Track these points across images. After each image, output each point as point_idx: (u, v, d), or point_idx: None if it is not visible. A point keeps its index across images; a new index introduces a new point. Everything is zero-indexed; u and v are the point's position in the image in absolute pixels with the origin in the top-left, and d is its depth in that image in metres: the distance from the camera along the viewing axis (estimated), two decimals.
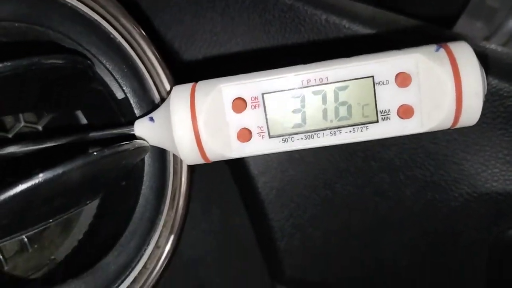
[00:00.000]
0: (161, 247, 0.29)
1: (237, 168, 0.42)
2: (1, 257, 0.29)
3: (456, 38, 0.38)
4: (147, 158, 0.30)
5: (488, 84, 0.36)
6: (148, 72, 0.30)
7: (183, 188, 0.30)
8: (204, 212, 0.39)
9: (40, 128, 0.32)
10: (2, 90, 0.24)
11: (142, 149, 0.27)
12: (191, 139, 0.26)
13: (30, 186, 0.21)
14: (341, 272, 0.45)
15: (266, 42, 0.40)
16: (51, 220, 0.25)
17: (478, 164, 0.38)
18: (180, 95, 0.27)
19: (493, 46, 0.42)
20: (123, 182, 0.30)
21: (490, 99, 0.37)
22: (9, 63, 0.23)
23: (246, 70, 0.41)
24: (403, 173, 0.40)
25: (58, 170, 0.22)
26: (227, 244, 0.41)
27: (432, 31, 0.40)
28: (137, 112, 0.30)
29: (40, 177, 0.21)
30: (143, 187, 0.29)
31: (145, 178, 0.29)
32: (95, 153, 0.23)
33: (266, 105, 0.27)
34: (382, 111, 0.26)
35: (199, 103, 0.27)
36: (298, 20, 0.40)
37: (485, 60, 0.38)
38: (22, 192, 0.21)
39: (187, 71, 0.42)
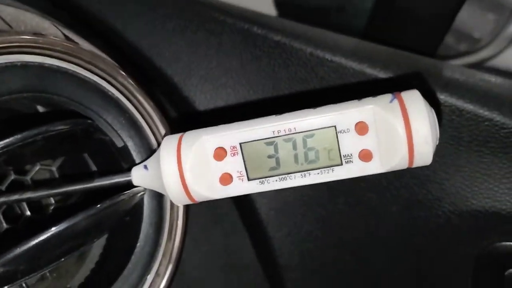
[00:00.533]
0: (161, 275, 0.33)
1: None
2: (25, 285, 0.34)
3: (433, 66, 0.40)
4: (146, 197, 0.34)
5: (463, 109, 0.39)
6: (145, 121, 0.35)
7: (179, 222, 0.34)
8: (205, 235, 0.43)
9: (54, 169, 0.37)
10: (14, 155, 0.29)
11: (138, 195, 0.32)
12: (178, 184, 0.31)
13: (42, 240, 0.26)
14: (338, 285, 0.48)
15: (257, 75, 0.44)
16: (63, 259, 0.30)
17: (458, 183, 0.41)
18: (168, 146, 0.31)
19: (469, 73, 0.44)
20: (127, 217, 0.35)
21: (466, 123, 0.39)
22: (19, 136, 0.27)
23: (239, 102, 0.45)
24: (390, 193, 0.43)
25: (65, 225, 0.26)
26: (228, 263, 0.45)
27: (410, 61, 0.43)
28: (136, 158, 0.35)
29: (50, 232, 0.26)
30: (143, 223, 0.33)
31: (144, 215, 0.34)
32: (96, 207, 0.28)
33: (244, 152, 0.31)
34: (345, 155, 0.30)
35: (185, 152, 0.31)
36: (285, 55, 0.43)
37: (461, 86, 0.40)
38: (36, 244, 0.26)
39: (186, 105, 0.46)
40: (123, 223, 0.34)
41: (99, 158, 0.35)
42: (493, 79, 0.44)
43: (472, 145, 0.39)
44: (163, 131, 0.35)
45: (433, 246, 0.44)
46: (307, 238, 0.48)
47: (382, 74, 0.41)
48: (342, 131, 0.30)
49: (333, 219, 0.46)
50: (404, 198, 0.43)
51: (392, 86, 0.40)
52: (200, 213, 0.43)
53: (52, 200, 0.36)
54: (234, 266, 0.47)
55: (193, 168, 0.31)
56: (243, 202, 0.47)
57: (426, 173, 0.42)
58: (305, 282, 0.49)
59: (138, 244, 0.33)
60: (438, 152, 0.41)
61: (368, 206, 0.45)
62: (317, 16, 0.65)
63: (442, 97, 0.39)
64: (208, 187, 0.31)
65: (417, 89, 0.39)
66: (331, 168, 0.30)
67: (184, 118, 0.47)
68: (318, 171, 0.30)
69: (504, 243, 0.41)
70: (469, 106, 0.39)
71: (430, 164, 0.42)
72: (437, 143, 0.31)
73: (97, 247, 0.36)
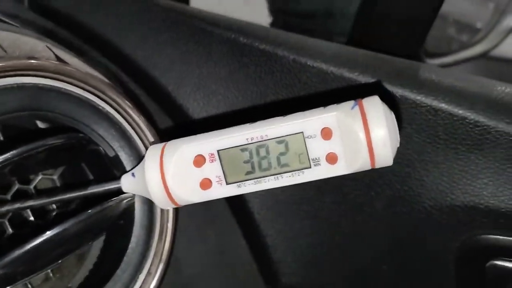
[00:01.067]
0: (152, 274, 0.37)
1: None
2: (29, 286, 0.37)
3: (410, 68, 0.42)
4: (138, 202, 0.38)
5: (439, 109, 0.41)
6: (135, 132, 0.38)
7: (169, 224, 0.37)
8: (200, 234, 0.46)
9: (55, 178, 0.40)
10: (17, 166, 0.32)
11: (125, 201, 0.35)
12: (162, 190, 0.34)
13: (37, 244, 0.29)
14: (328, 278, 0.51)
15: (245, 83, 0.47)
16: (60, 261, 0.33)
17: (437, 180, 0.43)
18: (152, 155, 0.34)
19: (445, 73, 0.46)
20: (121, 221, 0.38)
21: (442, 122, 0.41)
22: (15, 151, 0.31)
23: (230, 108, 0.48)
24: (373, 190, 0.45)
25: (57, 230, 0.30)
26: (224, 260, 0.48)
27: (389, 64, 0.45)
28: (127, 166, 0.38)
29: (44, 236, 0.29)
30: (134, 225, 0.37)
31: (136, 218, 0.37)
32: (86, 213, 0.31)
33: (221, 159, 0.34)
34: (314, 158, 0.32)
35: (167, 161, 0.34)
36: (270, 63, 0.46)
37: (436, 86, 0.42)
38: (31, 247, 0.29)
39: (180, 112, 0.49)
40: (118, 226, 0.38)
41: (94, 167, 0.38)
42: (467, 77, 0.45)
43: (449, 142, 0.41)
44: (152, 140, 0.38)
45: (416, 241, 0.46)
46: (298, 234, 0.50)
47: (360, 78, 0.43)
48: (310, 137, 0.32)
49: (321, 216, 0.48)
50: (387, 195, 0.45)
51: (369, 89, 0.42)
52: (195, 213, 0.46)
53: (54, 206, 0.40)
54: (229, 264, 0.49)
55: (175, 174, 0.34)
56: (236, 202, 0.50)
57: (406, 170, 0.44)
58: (298, 277, 0.51)
59: (130, 245, 0.36)
60: (416, 151, 0.43)
61: (354, 203, 0.47)
62: (307, 22, 0.67)
63: (418, 97, 0.41)
64: (189, 192, 0.34)
65: (394, 90, 0.41)
66: (302, 170, 0.33)
67: (179, 125, 0.50)
68: (290, 174, 0.33)
69: (483, 236, 0.43)
70: (444, 106, 0.40)
71: (410, 161, 0.44)
72: (398, 145, 0.33)
73: (95, 248, 0.40)
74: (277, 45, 0.45)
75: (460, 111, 0.40)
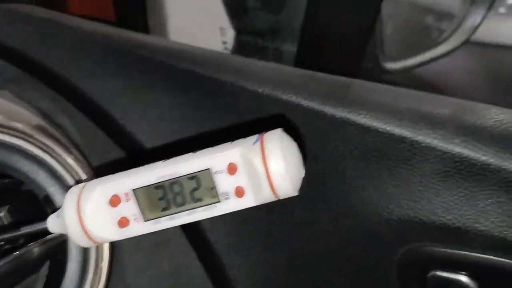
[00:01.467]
0: None
1: None
2: None
3: (341, 87, 0.43)
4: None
5: (368, 127, 0.41)
6: (67, 170, 0.39)
7: (104, 262, 0.39)
8: (149, 259, 0.47)
9: (2, 215, 0.42)
10: None
11: (50, 242, 0.36)
12: (80, 230, 0.35)
13: None
14: None
15: (188, 108, 0.48)
16: None
17: (373, 195, 0.43)
18: (70, 197, 0.36)
19: (375, 89, 0.46)
20: (58, 256, 0.39)
21: (372, 140, 0.42)
22: None
23: (175, 133, 0.48)
24: (317, 207, 0.46)
25: None
26: (178, 282, 0.49)
27: (321, 83, 0.45)
28: (59, 204, 0.39)
29: None
30: (68, 261, 0.38)
31: (70, 254, 0.38)
32: (13, 254, 0.33)
33: (137, 197, 0.35)
34: (223, 193, 0.33)
35: (83, 203, 0.35)
36: (210, 87, 0.47)
37: (365, 104, 0.42)
38: None
39: (128, 140, 0.50)
40: (55, 262, 0.39)
41: (30, 207, 0.40)
42: (399, 92, 0.46)
43: (380, 159, 0.42)
44: (84, 177, 0.39)
45: (362, 254, 0.46)
46: (251, 252, 0.51)
47: (294, 99, 0.44)
48: (217, 172, 0.33)
49: (271, 233, 0.49)
50: (331, 211, 0.46)
51: (302, 111, 0.43)
52: (144, 239, 0.47)
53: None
54: (184, 285, 0.51)
55: (92, 215, 0.35)
56: (188, 223, 0.51)
57: (344, 187, 0.44)
58: None
59: (65, 280, 0.38)
60: (351, 167, 0.44)
61: (300, 220, 0.48)
62: (258, 40, 0.68)
63: (348, 116, 0.42)
64: (107, 231, 0.35)
65: (325, 110, 0.41)
66: (214, 205, 0.34)
67: (130, 153, 0.52)
68: (203, 208, 0.34)
69: (424, 247, 0.43)
70: (372, 123, 0.41)
71: (347, 179, 0.45)
72: (303, 175, 0.33)
73: (42, 280, 0.41)
74: (216, 69, 0.46)
75: (388, 128, 0.40)
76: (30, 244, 0.36)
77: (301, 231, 0.48)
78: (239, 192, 0.33)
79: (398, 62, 0.84)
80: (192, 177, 0.34)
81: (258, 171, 0.32)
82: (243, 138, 0.34)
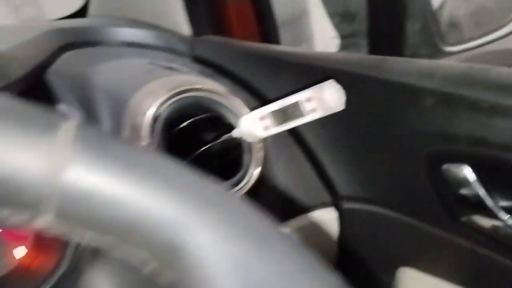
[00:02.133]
0: None
1: None
2: None
3: None
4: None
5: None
6: (243, 112, 0.86)
7: (258, 153, 0.84)
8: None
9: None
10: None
11: (236, 138, 0.83)
12: (250, 132, 0.80)
13: None
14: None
15: None
16: None
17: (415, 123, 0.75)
18: (245, 119, 0.82)
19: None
20: (237, 151, 0.86)
21: None
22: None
23: None
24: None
25: None
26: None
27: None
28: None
29: None
30: (244, 153, 0.84)
31: (244, 146, 0.84)
32: None
33: (273, 115, 0.80)
34: (306, 111, 0.76)
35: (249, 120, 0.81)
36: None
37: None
38: None
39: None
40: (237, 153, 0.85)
41: (224, 129, 0.87)
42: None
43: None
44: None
45: (407, 152, 0.84)
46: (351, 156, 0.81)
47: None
48: (301, 102, 0.76)
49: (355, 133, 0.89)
50: (390, 130, 0.84)
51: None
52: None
53: None
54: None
55: (252, 125, 0.80)
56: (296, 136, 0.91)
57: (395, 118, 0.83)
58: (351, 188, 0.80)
59: (243, 161, 0.83)
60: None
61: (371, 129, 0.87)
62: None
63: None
64: (260, 133, 0.81)
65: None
66: (304, 117, 0.77)
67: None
68: (299, 119, 0.77)
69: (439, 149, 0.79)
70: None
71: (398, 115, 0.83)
72: (343, 107, 0.74)
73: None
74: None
75: None
76: (226, 136, 0.81)
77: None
78: (313, 110, 0.74)
79: (459, 45, 0.98)
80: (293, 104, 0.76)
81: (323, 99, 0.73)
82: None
